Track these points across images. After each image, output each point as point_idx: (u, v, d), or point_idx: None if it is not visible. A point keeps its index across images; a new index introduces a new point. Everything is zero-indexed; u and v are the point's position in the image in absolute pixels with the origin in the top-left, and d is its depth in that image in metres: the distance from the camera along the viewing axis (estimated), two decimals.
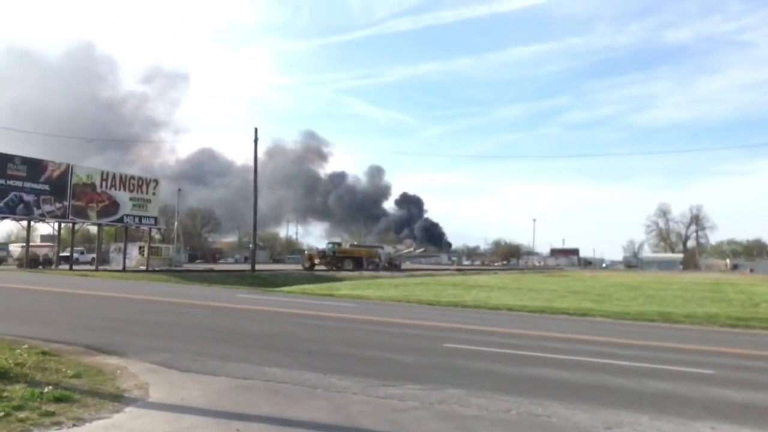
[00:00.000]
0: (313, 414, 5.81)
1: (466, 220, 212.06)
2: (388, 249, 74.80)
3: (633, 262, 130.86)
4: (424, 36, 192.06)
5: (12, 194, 37.60)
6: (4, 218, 39.71)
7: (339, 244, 69.91)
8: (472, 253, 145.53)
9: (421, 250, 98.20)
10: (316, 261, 62.50)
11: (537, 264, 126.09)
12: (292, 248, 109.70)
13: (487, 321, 15.68)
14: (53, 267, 42.52)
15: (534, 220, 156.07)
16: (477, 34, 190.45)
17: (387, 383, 7.32)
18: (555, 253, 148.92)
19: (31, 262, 43.10)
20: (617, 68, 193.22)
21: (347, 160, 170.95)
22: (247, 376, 7.33)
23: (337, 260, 62.20)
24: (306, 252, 71.83)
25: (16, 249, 52.68)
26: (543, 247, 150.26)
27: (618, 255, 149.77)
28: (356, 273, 52.51)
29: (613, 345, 12.02)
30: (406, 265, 75.68)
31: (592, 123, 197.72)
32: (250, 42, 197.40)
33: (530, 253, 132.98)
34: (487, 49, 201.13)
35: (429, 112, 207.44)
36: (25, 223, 42.73)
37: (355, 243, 79.53)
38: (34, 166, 39.22)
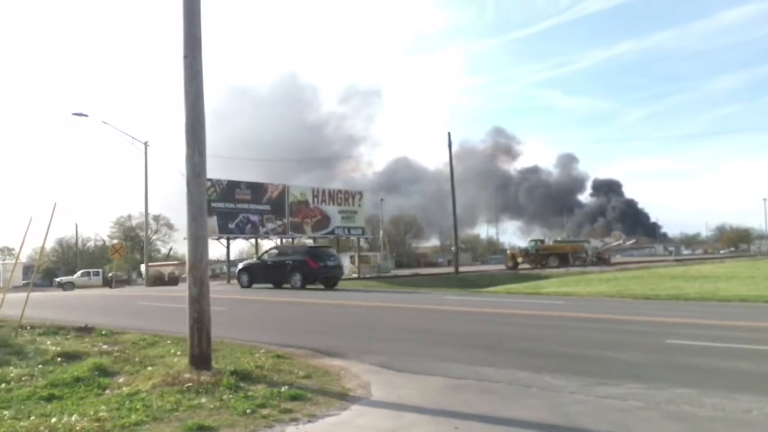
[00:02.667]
0: (530, 413, 5.74)
1: (681, 206, 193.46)
2: (596, 243, 71.16)
3: None
4: (617, 14, 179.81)
5: (241, 216, 42.26)
6: (235, 238, 44.78)
7: (542, 241, 68.23)
8: (692, 241, 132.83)
9: (632, 241, 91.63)
10: (519, 260, 61.68)
11: None
12: (493, 249, 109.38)
13: (716, 314, 14.22)
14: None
15: (764, 199, 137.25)
16: (679, 2, 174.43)
17: (605, 382, 6.98)
18: None
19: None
20: None
21: (542, 155, 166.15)
22: (461, 376, 7.45)
23: (540, 258, 60.82)
24: (508, 251, 71.12)
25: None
26: None
27: None
28: (562, 270, 50.77)
29: None
30: (616, 258, 71.40)
31: None
32: (439, 48, 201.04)
33: (763, 237, 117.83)
34: (692, 18, 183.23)
35: (629, 94, 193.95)
36: (253, 241, 47.76)
37: (559, 239, 76.93)
38: (257, 189, 43.75)
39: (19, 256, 27.43)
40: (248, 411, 5.70)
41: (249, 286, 27.91)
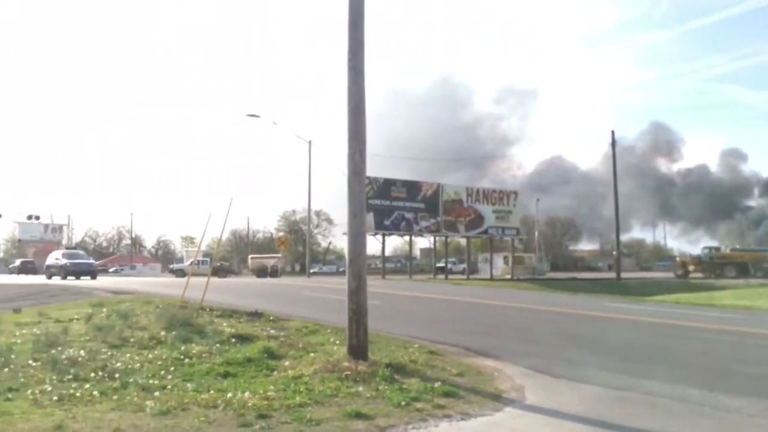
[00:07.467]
0: None
1: None
2: None
3: None
4: None
5: (396, 213, 43.32)
6: (390, 234, 45.97)
7: (717, 249, 62.66)
8: None
9: None
10: (690, 268, 57.13)
11: None
12: (660, 255, 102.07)
13: None
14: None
15: None
16: None
17: None
18: None
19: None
20: None
21: (713, 156, 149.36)
22: (622, 387, 7.06)
23: (715, 267, 55.90)
24: (678, 258, 66.12)
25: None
26: None
27: None
28: (741, 281, 46.24)
29: None
30: None
31: None
32: (606, 44, 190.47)
33: None
34: None
35: None
36: (407, 237, 48.71)
37: (738, 246, 70.12)
38: (412, 187, 44.57)
39: (200, 245, 30.76)
40: (403, 403, 5.84)
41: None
